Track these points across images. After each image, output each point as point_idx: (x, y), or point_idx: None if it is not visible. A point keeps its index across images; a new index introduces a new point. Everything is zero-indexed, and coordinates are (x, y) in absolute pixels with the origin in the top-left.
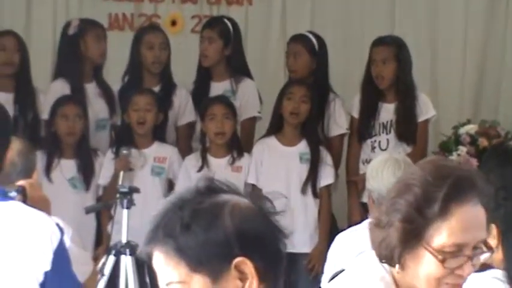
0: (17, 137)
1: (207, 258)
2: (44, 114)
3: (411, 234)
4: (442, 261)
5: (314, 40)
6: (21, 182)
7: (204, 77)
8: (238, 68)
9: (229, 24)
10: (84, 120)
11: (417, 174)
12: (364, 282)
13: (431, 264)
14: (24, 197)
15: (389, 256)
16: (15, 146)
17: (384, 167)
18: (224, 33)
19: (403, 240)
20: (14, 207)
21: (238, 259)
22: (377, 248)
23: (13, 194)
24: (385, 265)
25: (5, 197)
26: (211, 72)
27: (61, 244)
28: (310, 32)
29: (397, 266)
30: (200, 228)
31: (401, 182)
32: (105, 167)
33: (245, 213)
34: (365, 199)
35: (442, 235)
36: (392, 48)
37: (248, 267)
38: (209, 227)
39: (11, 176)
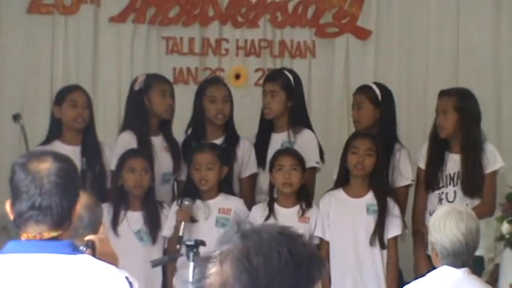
0: (84, 191)
1: None
2: (112, 166)
3: None
4: None
5: (377, 90)
6: (90, 237)
7: (265, 128)
8: (299, 119)
9: (290, 76)
10: (150, 173)
11: None
12: None
13: None
14: (94, 251)
15: None
16: (82, 200)
17: (447, 219)
18: (286, 85)
19: None
20: (84, 260)
21: None
22: None
23: (82, 248)
24: None
25: (75, 250)
26: (273, 124)
27: None
28: (375, 83)
29: None
30: None
31: None
32: (169, 219)
33: None
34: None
35: None
36: (454, 99)
37: None
38: None
39: (78, 230)
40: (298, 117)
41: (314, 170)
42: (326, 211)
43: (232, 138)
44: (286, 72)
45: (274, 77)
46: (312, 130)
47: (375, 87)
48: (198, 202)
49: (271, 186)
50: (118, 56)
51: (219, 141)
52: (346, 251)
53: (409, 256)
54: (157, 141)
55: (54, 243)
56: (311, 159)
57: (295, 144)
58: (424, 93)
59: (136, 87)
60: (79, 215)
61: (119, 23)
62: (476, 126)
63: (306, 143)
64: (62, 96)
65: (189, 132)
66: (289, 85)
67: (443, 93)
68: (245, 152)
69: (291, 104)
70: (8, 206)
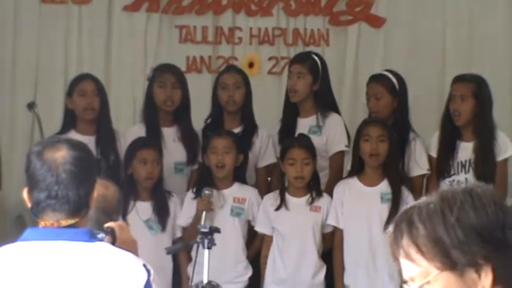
0: (100, 179)
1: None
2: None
3: None
4: None
5: (394, 80)
6: (110, 224)
7: (290, 113)
8: (326, 104)
9: (317, 59)
10: (161, 164)
11: None
12: None
13: None
14: (114, 239)
15: None
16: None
17: None
18: (313, 68)
19: None
20: (101, 248)
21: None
22: None
23: (102, 235)
24: None
25: (92, 237)
26: (298, 108)
27: (148, 285)
28: (390, 71)
29: None
30: None
31: None
32: (185, 208)
33: None
34: None
35: None
36: (472, 86)
37: None
38: None
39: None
40: (325, 101)
41: (342, 153)
42: (340, 199)
43: (250, 128)
44: (313, 55)
45: (302, 59)
46: (339, 114)
47: (391, 76)
48: (214, 191)
49: (282, 174)
50: (131, 45)
51: (237, 130)
52: (360, 239)
53: None
54: (170, 132)
55: (71, 230)
56: (340, 142)
57: (324, 127)
58: (428, 81)
59: (147, 78)
60: (104, 195)
61: (133, 11)
62: (490, 113)
63: (334, 126)
64: (72, 86)
65: (208, 122)
66: (316, 68)
67: (459, 79)
68: (263, 142)
69: (316, 88)
70: (25, 194)
